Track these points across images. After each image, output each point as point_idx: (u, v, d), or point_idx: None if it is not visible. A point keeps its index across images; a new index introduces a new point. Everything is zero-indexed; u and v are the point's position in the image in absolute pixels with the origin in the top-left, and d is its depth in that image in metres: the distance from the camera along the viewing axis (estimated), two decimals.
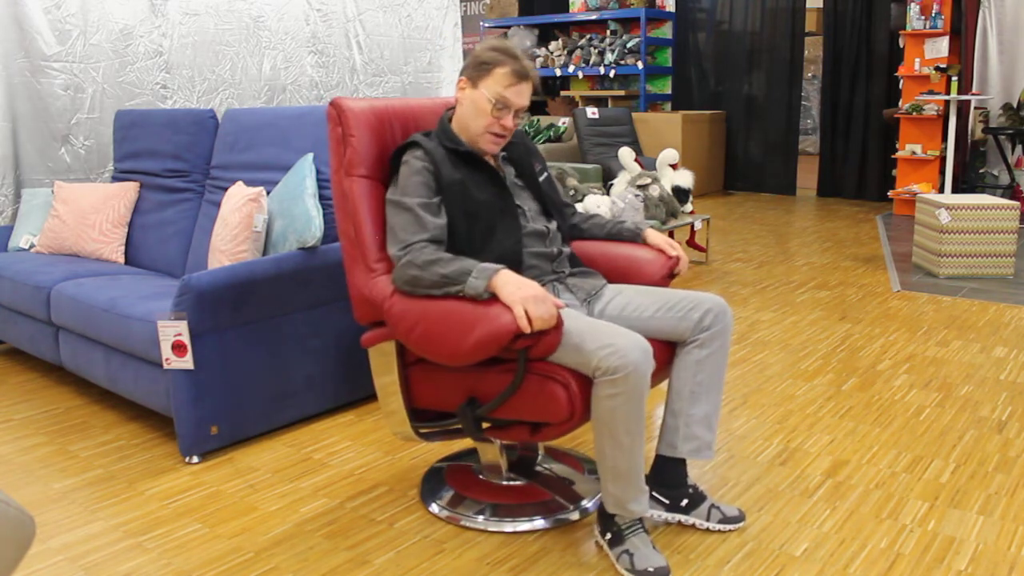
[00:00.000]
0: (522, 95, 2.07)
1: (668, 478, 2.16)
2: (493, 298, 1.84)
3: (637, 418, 1.85)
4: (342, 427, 2.87)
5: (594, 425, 1.90)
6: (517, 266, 2.08)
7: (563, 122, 7.53)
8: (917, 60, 6.80)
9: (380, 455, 2.64)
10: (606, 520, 2.02)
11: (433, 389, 2.10)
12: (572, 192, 4.73)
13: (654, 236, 2.34)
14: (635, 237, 2.35)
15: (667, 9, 8.71)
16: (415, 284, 1.93)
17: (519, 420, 1.99)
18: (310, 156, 2.96)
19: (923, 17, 6.69)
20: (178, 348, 2.51)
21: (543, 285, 2.14)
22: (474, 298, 1.85)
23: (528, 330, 1.79)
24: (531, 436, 2.00)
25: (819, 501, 2.29)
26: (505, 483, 2.32)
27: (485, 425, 2.08)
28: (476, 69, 2.08)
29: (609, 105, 8.55)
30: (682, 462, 2.15)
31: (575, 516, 2.22)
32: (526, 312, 1.79)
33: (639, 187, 4.73)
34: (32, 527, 1.16)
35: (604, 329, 1.86)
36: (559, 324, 1.86)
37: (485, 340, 1.81)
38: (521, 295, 1.80)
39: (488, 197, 2.10)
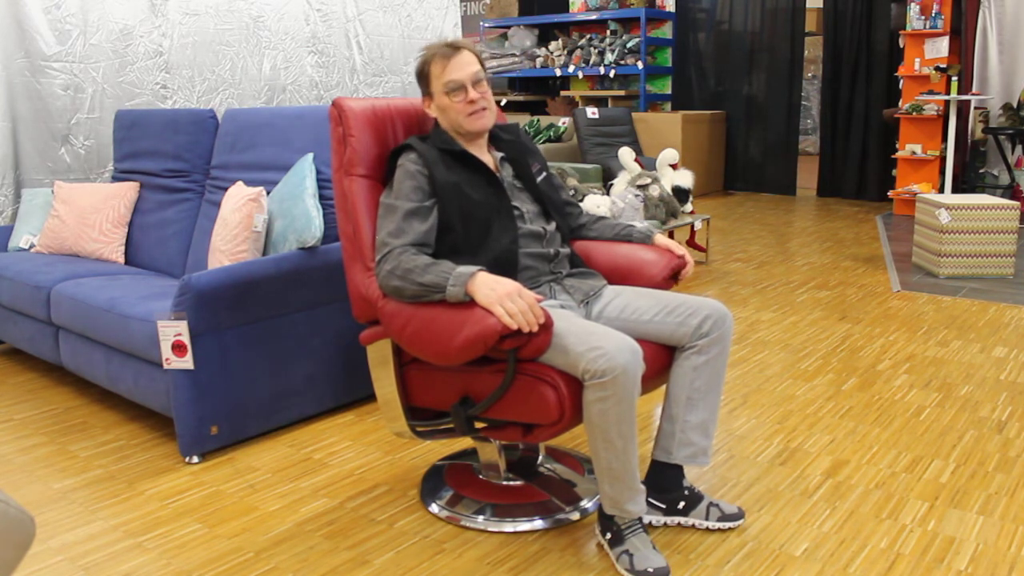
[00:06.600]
0: (461, 67, 2.09)
1: (664, 483, 2.15)
2: (475, 301, 1.85)
3: (628, 420, 1.84)
4: (342, 427, 2.87)
5: (586, 428, 1.90)
6: (513, 267, 2.08)
7: (563, 122, 7.53)
8: (917, 60, 6.80)
9: (380, 455, 2.64)
10: (606, 520, 2.02)
11: (428, 388, 2.11)
12: (572, 192, 4.73)
13: (661, 239, 2.35)
14: (645, 240, 2.35)
15: (667, 9, 8.70)
16: (399, 294, 1.96)
17: (511, 421, 2.00)
18: (310, 156, 2.96)
19: (923, 17, 6.69)
20: (178, 348, 2.51)
21: (539, 286, 2.14)
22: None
23: (515, 327, 1.79)
24: (524, 436, 2.00)
25: (819, 501, 2.29)
26: (505, 483, 2.32)
27: (480, 425, 2.08)
28: (421, 83, 2.18)
29: (609, 105, 8.55)
30: (678, 467, 2.15)
31: (575, 516, 2.22)
32: (507, 310, 1.79)
33: (639, 187, 4.73)
34: (32, 527, 1.16)
35: (593, 331, 1.86)
36: (548, 324, 1.86)
37: (472, 340, 1.81)
38: (496, 295, 1.81)
39: (484, 197, 2.11)
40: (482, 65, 2.14)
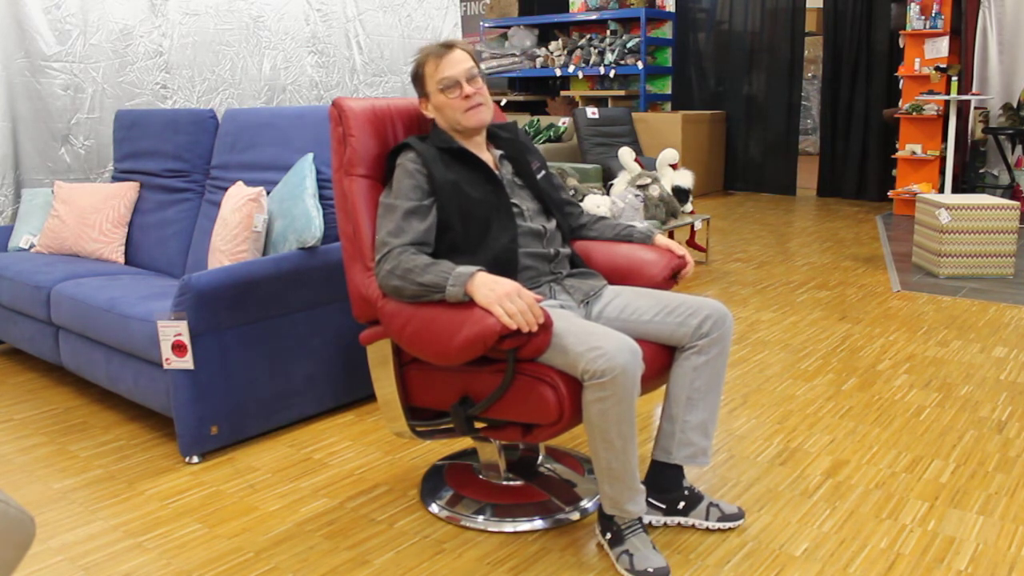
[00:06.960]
0: (453, 64, 2.11)
1: (664, 483, 2.15)
2: (474, 301, 1.85)
3: (628, 420, 1.84)
4: (342, 427, 2.87)
5: (586, 428, 1.90)
6: (513, 266, 2.08)
7: (563, 122, 7.53)
8: (917, 60, 6.80)
9: (380, 455, 2.64)
10: (606, 520, 2.02)
11: (428, 388, 2.11)
12: (572, 192, 4.73)
13: (661, 239, 2.35)
14: (646, 240, 2.35)
15: (667, 9, 8.70)
16: (399, 294, 1.97)
17: (510, 421, 2.00)
18: (310, 156, 2.96)
19: (923, 17, 6.69)
20: (178, 348, 2.51)
21: (539, 286, 2.14)
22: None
23: (514, 327, 1.79)
24: (524, 437, 2.00)
25: (819, 501, 2.29)
26: (505, 483, 2.32)
27: (480, 425, 2.08)
28: (417, 86, 2.20)
29: (609, 105, 8.55)
30: (678, 467, 2.15)
31: (575, 516, 2.22)
32: (506, 310, 1.80)
33: (639, 187, 4.73)
34: (32, 527, 1.16)
35: (592, 331, 1.86)
36: (548, 324, 1.86)
37: (472, 340, 1.81)
38: (496, 295, 1.81)
39: (483, 195, 2.11)
40: (476, 62, 2.15)
